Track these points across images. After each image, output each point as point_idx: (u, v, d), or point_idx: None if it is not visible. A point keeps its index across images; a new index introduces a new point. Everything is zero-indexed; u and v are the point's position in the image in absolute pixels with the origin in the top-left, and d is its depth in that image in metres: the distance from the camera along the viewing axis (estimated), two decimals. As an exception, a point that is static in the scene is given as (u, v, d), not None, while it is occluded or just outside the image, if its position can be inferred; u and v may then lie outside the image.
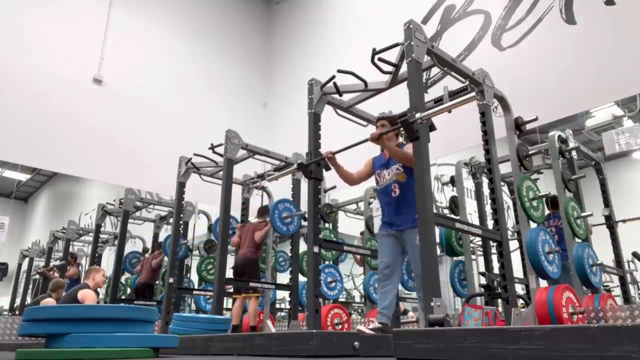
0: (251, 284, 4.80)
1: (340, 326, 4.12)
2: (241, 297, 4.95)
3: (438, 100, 3.49)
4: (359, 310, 6.13)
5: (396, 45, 3.07)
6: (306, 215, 3.95)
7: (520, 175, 3.28)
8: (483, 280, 4.11)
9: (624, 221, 3.99)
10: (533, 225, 3.19)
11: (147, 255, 6.76)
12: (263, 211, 5.32)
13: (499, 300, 3.62)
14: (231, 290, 5.04)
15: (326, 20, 8.08)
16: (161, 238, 6.85)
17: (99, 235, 6.48)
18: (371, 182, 5.51)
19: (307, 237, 3.59)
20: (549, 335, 1.43)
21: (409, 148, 3.25)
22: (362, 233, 5.72)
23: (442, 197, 5.00)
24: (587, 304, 3.33)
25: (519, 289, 3.72)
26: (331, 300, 4.90)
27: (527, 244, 2.97)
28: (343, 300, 5.74)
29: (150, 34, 7.72)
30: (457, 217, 4.32)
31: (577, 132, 4.35)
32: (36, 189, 7.10)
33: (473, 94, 2.69)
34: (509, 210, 4.50)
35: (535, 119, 3.51)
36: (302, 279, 4.76)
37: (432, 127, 2.75)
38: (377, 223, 4.91)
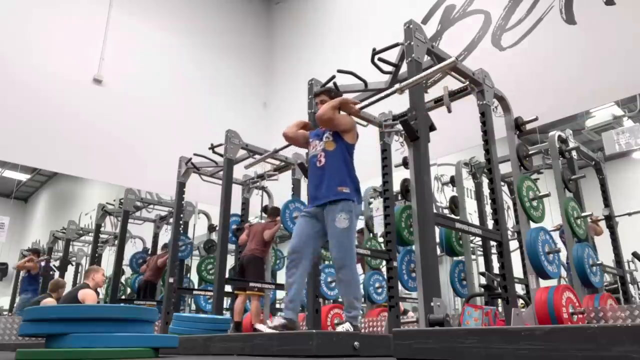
0: (252, 284, 4.81)
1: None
2: (244, 294, 4.96)
3: (438, 101, 3.48)
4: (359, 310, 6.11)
5: (396, 45, 3.07)
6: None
7: (520, 175, 3.28)
8: (483, 280, 4.11)
9: (629, 214, 3.98)
10: (533, 225, 3.19)
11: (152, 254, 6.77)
12: (273, 211, 5.35)
13: (499, 300, 3.63)
14: (231, 290, 5.06)
15: (326, 20, 8.08)
16: (161, 238, 6.86)
17: (99, 235, 6.49)
18: (371, 182, 5.56)
19: (307, 237, 3.58)
20: (549, 335, 1.43)
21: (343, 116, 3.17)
22: (357, 231, 5.72)
23: (442, 197, 5.00)
24: (587, 304, 3.33)
25: (519, 289, 3.72)
26: (331, 300, 4.90)
27: (527, 244, 2.97)
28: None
29: (150, 34, 7.72)
30: (457, 217, 4.33)
31: (577, 132, 4.35)
32: (36, 189, 7.09)
33: (453, 58, 2.65)
34: (509, 210, 4.50)
35: (535, 119, 3.51)
36: (302, 279, 4.76)
37: (432, 127, 2.75)
38: (377, 223, 4.92)
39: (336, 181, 3.00)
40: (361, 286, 3.45)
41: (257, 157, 4.90)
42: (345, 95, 3.48)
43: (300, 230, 3.05)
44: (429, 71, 2.65)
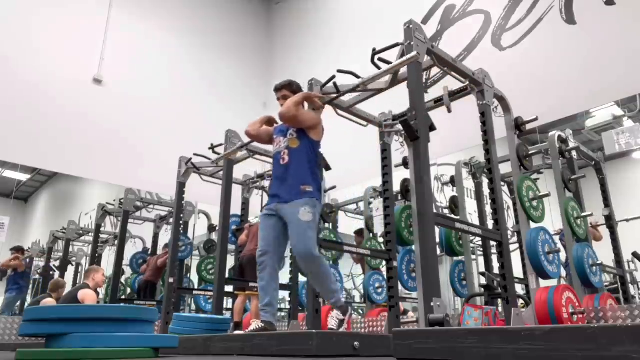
0: (252, 284, 4.81)
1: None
2: (244, 294, 4.97)
3: (438, 100, 3.49)
4: (359, 311, 6.12)
5: (396, 45, 3.06)
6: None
7: (520, 175, 3.28)
8: (483, 280, 4.11)
9: (627, 220, 3.98)
10: (533, 225, 3.19)
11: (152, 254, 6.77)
12: None
13: (499, 300, 3.62)
14: (231, 290, 5.06)
15: (326, 20, 8.08)
16: (161, 238, 6.86)
17: (99, 235, 6.48)
18: (371, 182, 5.56)
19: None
20: (549, 335, 1.43)
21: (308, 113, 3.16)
22: (356, 232, 5.74)
23: (442, 197, 5.00)
24: (587, 304, 3.33)
25: (519, 289, 3.73)
26: (331, 300, 4.90)
27: (527, 244, 2.97)
28: (343, 300, 5.73)
29: (150, 34, 7.72)
30: (457, 217, 4.33)
31: (577, 132, 4.35)
32: (36, 189, 7.09)
33: (414, 53, 2.70)
34: (509, 210, 4.50)
35: (535, 119, 3.52)
36: (302, 279, 4.77)
37: (432, 127, 2.75)
38: (377, 223, 4.92)
39: (299, 181, 3.00)
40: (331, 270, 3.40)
41: (258, 157, 4.90)
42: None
43: (266, 233, 3.03)
44: (381, 70, 2.70)
